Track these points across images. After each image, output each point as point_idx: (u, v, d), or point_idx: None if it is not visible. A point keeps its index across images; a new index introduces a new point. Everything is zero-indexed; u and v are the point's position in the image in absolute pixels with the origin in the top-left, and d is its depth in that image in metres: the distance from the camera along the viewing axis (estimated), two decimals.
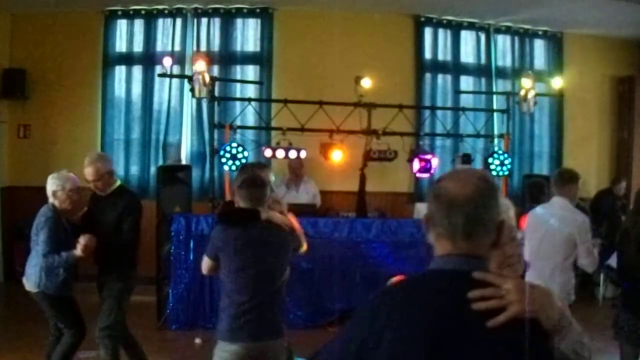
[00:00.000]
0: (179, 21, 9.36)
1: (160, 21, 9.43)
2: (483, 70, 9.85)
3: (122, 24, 9.43)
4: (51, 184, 4.70)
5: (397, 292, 1.74)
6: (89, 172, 4.73)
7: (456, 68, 9.80)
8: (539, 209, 5.01)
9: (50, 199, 4.70)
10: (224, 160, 7.63)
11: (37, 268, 4.51)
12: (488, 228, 1.65)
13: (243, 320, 3.54)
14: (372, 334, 1.64)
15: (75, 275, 4.78)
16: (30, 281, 4.57)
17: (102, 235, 4.55)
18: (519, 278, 1.67)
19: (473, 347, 1.54)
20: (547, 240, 4.72)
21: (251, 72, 9.52)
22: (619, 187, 9.17)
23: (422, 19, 9.65)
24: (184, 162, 9.07)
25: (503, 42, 10.01)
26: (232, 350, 3.51)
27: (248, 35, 9.52)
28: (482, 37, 9.86)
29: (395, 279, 1.89)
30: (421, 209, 7.99)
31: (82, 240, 4.37)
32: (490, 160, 8.32)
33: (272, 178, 4.11)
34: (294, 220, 3.90)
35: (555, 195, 4.88)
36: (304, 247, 3.97)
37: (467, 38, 9.88)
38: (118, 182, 4.93)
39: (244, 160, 7.67)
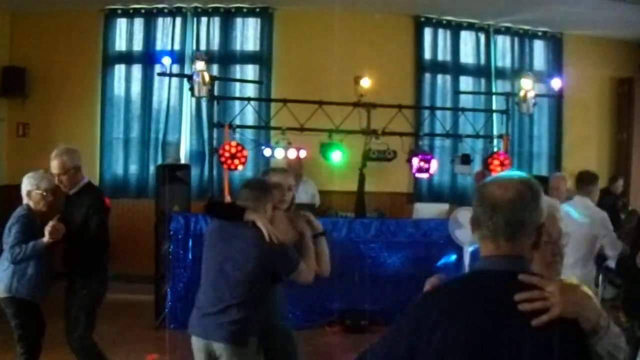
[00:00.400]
0: (178, 20, 9.37)
1: (160, 20, 9.43)
2: (482, 71, 9.86)
3: (121, 23, 9.44)
4: (26, 184, 4.51)
5: (446, 292, 1.82)
6: (53, 165, 4.44)
7: (456, 68, 9.81)
8: (563, 207, 5.20)
9: (25, 199, 4.52)
10: (223, 159, 7.62)
11: (9, 271, 4.35)
12: (529, 230, 1.74)
13: (200, 314, 3.47)
14: (422, 332, 1.71)
15: (50, 276, 4.56)
16: (2, 285, 4.39)
17: (69, 237, 4.34)
18: (561, 280, 1.73)
19: (516, 346, 1.62)
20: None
21: (251, 71, 9.53)
22: (616, 186, 9.16)
23: (422, 19, 9.66)
24: (183, 161, 9.09)
25: (503, 43, 10.02)
26: (192, 341, 3.51)
27: (248, 34, 9.52)
28: (482, 37, 9.87)
29: (434, 279, 1.94)
30: (420, 209, 8.00)
31: (50, 222, 4.16)
32: (489, 160, 8.31)
33: (288, 182, 3.64)
34: (307, 241, 3.54)
35: (576, 195, 5.26)
36: (303, 273, 3.43)
37: (467, 38, 9.89)
38: (86, 180, 4.64)
39: (242, 160, 7.67)
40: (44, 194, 4.45)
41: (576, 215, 5.00)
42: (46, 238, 4.15)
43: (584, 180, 5.27)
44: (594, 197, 5.23)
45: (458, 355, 1.65)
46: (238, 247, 3.36)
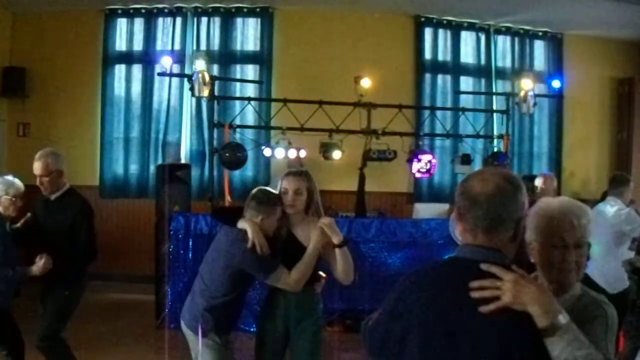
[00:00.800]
0: (179, 20, 9.38)
1: (160, 20, 9.44)
2: (483, 71, 9.86)
3: (122, 23, 9.44)
4: None
5: (418, 273, 1.94)
6: (37, 166, 4.35)
7: (456, 68, 9.80)
8: (597, 206, 5.54)
9: None
10: (223, 159, 7.63)
11: None
12: (507, 224, 1.78)
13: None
14: (396, 308, 1.88)
15: (16, 292, 4.41)
16: None
17: (52, 243, 4.24)
18: (522, 273, 1.71)
19: (466, 331, 1.67)
20: (599, 232, 4.98)
21: (251, 71, 9.53)
22: None
23: (422, 19, 9.66)
24: (183, 161, 9.09)
25: (503, 43, 10.01)
26: None
27: (248, 34, 9.53)
28: (482, 37, 9.87)
29: None
30: (420, 209, 8.00)
31: (41, 261, 4.05)
32: (489, 160, 8.32)
33: (295, 186, 3.56)
34: (311, 249, 3.47)
35: (609, 195, 5.58)
36: (280, 281, 3.44)
37: (467, 38, 9.89)
38: (67, 186, 4.50)
39: (243, 160, 7.69)
40: (13, 199, 4.31)
41: (605, 215, 5.31)
42: (35, 270, 4.06)
43: (617, 182, 5.59)
44: (625, 197, 5.51)
45: (415, 337, 1.78)
46: (220, 249, 3.55)
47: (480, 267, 1.72)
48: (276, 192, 3.57)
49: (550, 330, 1.63)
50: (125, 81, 9.44)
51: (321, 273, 3.66)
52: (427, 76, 9.77)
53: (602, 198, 6.09)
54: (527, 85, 8.36)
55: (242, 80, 9.30)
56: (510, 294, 1.65)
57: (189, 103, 9.29)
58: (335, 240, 3.44)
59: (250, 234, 3.38)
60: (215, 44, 9.45)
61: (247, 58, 9.53)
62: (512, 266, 1.74)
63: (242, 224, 3.46)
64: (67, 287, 4.36)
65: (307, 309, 3.57)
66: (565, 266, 1.97)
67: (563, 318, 1.65)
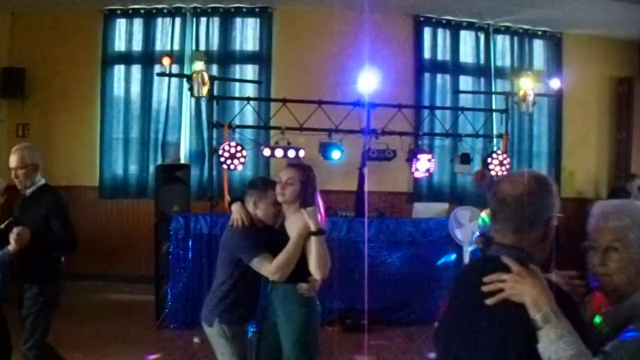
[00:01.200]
0: (178, 20, 9.37)
1: (159, 20, 9.43)
2: (482, 70, 9.86)
3: (121, 23, 9.44)
4: None
5: (462, 269, 2.20)
6: (12, 159, 4.31)
7: (455, 68, 9.80)
8: None
9: None
10: (222, 159, 7.63)
11: None
12: (535, 224, 1.85)
13: None
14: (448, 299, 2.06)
15: (12, 278, 4.16)
16: None
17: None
18: (528, 270, 1.76)
19: (475, 323, 1.81)
20: None
21: (250, 71, 9.52)
22: (632, 184, 9.07)
23: (422, 19, 9.66)
24: (182, 161, 9.09)
25: (502, 42, 10.01)
26: None
27: (247, 34, 9.52)
28: (482, 37, 9.87)
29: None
30: (419, 209, 8.00)
31: (15, 229, 3.90)
32: (489, 160, 8.32)
33: (287, 176, 3.58)
34: (293, 238, 3.47)
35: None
36: (262, 268, 3.49)
37: (467, 38, 9.89)
38: (42, 182, 4.42)
39: (242, 160, 7.69)
40: None
41: None
42: (12, 246, 3.90)
43: None
44: None
45: (442, 326, 1.99)
46: (223, 236, 3.79)
47: (502, 260, 1.80)
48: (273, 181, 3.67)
49: (538, 323, 1.67)
50: (124, 81, 9.43)
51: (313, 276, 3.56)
52: (427, 76, 9.78)
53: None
54: (526, 84, 8.36)
55: (241, 80, 9.30)
56: (509, 288, 1.73)
57: (188, 103, 9.28)
58: (313, 227, 3.42)
59: (233, 213, 3.62)
60: (215, 44, 9.45)
61: (246, 58, 9.53)
62: (529, 264, 1.78)
63: (232, 207, 3.70)
64: (42, 291, 4.24)
65: (292, 305, 3.52)
66: (596, 270, 1.95)
67: (552, 314, 1.67)
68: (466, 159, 8.59)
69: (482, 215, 6.60)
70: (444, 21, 9.75)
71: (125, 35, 9.43)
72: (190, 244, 6.92)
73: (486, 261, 1.93)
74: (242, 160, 7.69)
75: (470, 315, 1.84)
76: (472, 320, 1.82)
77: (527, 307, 1.70)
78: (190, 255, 6.91)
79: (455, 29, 9.80)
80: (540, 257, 1.88)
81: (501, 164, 8.22)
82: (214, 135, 8.17)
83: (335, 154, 7.95)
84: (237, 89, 9.30)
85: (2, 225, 4.13)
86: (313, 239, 3.41)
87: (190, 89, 7.62)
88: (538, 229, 1.85)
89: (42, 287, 4.25)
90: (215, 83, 8.12)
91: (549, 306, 1.68)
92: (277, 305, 3.57)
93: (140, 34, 9.43)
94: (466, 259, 6.90)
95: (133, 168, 9.41)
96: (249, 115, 8.95)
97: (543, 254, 1.88)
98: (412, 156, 8.25)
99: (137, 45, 9.44)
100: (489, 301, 1.75)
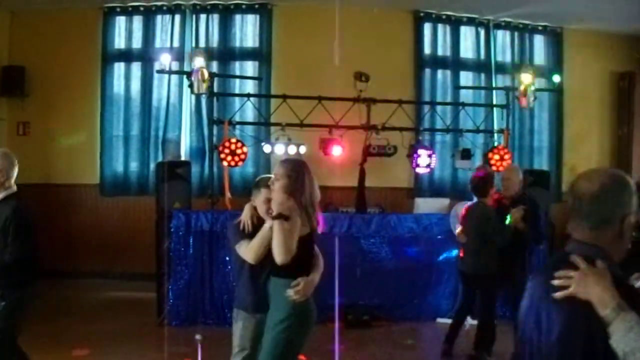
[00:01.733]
0: (177, 17, 9.37)
1: (158, 18, 9.43)
2: (482, 66, 9.84)
3: (120, 21, 9.44)
4: None
5: (544, 263, 2.18)
6: None
7: (456, 63, 9.79)
8: None
9: None
10: (223, 156, 7.62)
11: None
12: (612, 221, 1.88)
13: None
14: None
15: None
16: None
17: None
18: (594, 268, 1.81)
19: (548, 314, 1.87)
20: None
21: (250, 67, 9.53)
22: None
23: (422, 14, 9.65)
24: (183, 158, 9.09)
25: (503, 38, 10.00)
26: None
27: (247, 31, 9.51)
28: (482, 32, 9.85)
29: None
30: (420, 204, 7.99)
31: None
32: (489, 155, 8.31)
33: (276, 173, 3.69)
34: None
35: None
36: (242, 252, 3.74)
37: (467, 33, 9.88)
38: (12, 190, 4.26)
39: (243, 156, 7.69)
40: None
41: None
42: None
43: None
44: None
45: (520, 321, 2.03)
46: None
47: (570, 259, 1.85)
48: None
49: (607, 319, 1.71)
50: (124, 79, 9.44)
51: (301, 279, 3.56)
52: (427, 71, 9.77)
53: None
54: (527, 79, 8.35)
55: (241, 77, 9.30)
56: (575, 285, 1.79)
57: (188, 100, 9.28)
58: (274, 211, 3.53)
59: (242, 215, 3.86)
60: (214, 41, 9.44)
61: (246, 54, 9.52)
62: (597, 261, 1.82)
63: (245, 208, 3.93)
64: (8, 299, 4.11)
65: (277, 301, 3.58)
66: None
67: (618, 309, 1.71)
68: (467, 154, 8.59)
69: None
70: (444, 17, 9.73)
71: (125, 32, 9.44)
72: (191, 241, 6.92)
73: (560, 257, 1.96)
74: (242, 156, 7.68)
75: (540, 310, 1.90)
76: (543, 312, 1.89)
77: (594, 305, 1.74)
78: (191, 252, 6.91)
79: (455, 24, 9.79)
80: (618, 254, 1.91)
81: (502, 159, 8.21)
82: (215, 132, 8.16)
83: (336, 150, 7.93)
84: (237, 86, 9.30)
85: None
86: (274, 223, 3.48)
87: (191, 86, 7.61)
88: (614, 227, 1.87)
89: (8, 295, 4.12)
90: (215, 80, 8.11)
91: (614, 301, 1.72)
92: (270, 297, 3.67)
93: (139, 31, 9.43)
94: None
95: (134, 165, 9.41)
96: (249, 112, 8.93)
97: (620, 251, 1.92)
98: (412, 152, 8.24)
99: (137, 43, 9.44)
100: (557, 295, 1.81)
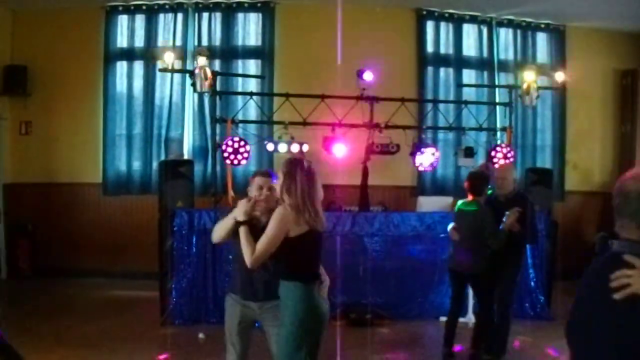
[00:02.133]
0: (180, 16, 9.35)
1: (161, 16, 9.42)
2: (485, 64, 9.81)
3: (123, 20, 9.43)
4: None
5: (590, 264, 2.05)
6: None
7: (458, 61, 9.77)
8: None
9: None
10: (225, 154, 7.62)
11: None
12: None
13: None
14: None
15: None
16: None
17: None
18: None
19: (602, 314, 1.83)
20: None
21: (253, 66, 9.52)
22: None
23: (424, 12, 9.62)
24: (186, 156, 9.07)
25: (505, 35, 9.97)
26: None
27: (249, 29, 9.50)
28: (485, 30, 9.82)
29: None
30: (424, 203, 7.97)
31: None
32: (492, 153, 8.29)
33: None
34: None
35: None
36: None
37: (469, 31, 9.84)
38: None
39: (246, 155, 7.68)
40: None
41: None
42: None
43: None
44: None
45: (569, 321, 2.00)
46: None
47: (624, 257, 1.82)
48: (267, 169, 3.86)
49: None
50: (127, 78, 9.43)
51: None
52: (430, 69, 9.74)
53: None
54: (529, 77, 8.33)
55: (244, 75, 9.29)
56: (635, 284, 1.75)
57: (191, 99, 9.27)
58: (238, 217, 3.61)
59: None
60: (217, 39, 9.42)
61: (249, 53, 9.51)
62: None
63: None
64: None
65: (286, 305, 3.54)
66: None
67: None
68: (470, 152, 8.57)
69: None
70: (446, 14, 9.71)
71: (127, 31, 9.42)
72: (194, 239, 6.92)
73: (611, 258, 1.92)
74: (245, 155, 7.67)
75: (592, 310, 1.88)
76: (593, 316, 1.86)
77: None
78: (194, 250, 6.91)
79: (458, 22, 9.76)
80: None
81: (505, 157, 8.19)
82: (217, 131, 8.15)
83: (339, 149, 7.92)
84: (239, 84, 9.29)
85: None
86: (241, 228, 3.59)
87: (193, 85, 7.61)
88: None
89: None
90: (218, 78, 8.10)
91: None
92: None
93: (142, 29, 9.42)
94: None
95: (136, 164, 9.41)
96: (252, 110, 8.92)
97: None
98: (415, 150, 8.22)
99: (139, 41, 9.42)
100: (617, 296, 1.76)
